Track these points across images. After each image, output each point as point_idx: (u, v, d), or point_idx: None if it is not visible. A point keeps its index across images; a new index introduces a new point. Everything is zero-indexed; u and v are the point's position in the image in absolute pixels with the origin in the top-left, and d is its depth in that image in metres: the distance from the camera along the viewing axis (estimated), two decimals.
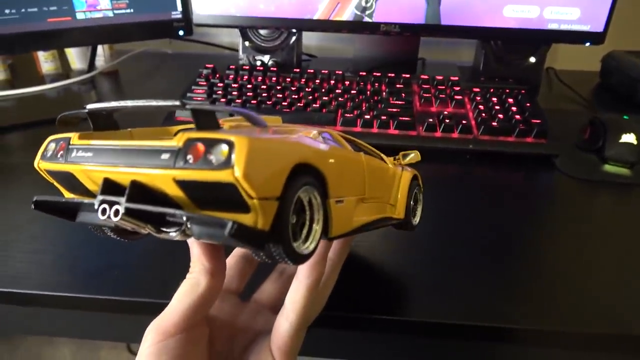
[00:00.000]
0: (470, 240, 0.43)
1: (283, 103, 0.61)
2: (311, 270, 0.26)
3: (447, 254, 0.41)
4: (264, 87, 0.65)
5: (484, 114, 0.59)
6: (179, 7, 0.67)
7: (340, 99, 0.63)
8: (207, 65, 0.69)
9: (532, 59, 0.71)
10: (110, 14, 0.64)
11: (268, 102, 0.62)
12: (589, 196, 0.51)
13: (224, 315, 0.30)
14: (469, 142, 0.56)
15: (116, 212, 0.19)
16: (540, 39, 0.68)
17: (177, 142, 0.18)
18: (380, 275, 0.39)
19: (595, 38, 0.65)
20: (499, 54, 0.72)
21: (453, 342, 0.38)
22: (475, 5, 0.65)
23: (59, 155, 0.21)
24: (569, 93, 0.76)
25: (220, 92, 0.64)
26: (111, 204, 0.19)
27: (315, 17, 0.68)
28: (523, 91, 0.65)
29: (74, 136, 0.22)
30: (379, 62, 0.76)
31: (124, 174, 0.19)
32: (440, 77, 0.67)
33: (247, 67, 0.70)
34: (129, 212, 0.19)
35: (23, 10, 0.59)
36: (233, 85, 0.65)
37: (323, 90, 0.65)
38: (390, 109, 0.60)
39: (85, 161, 0.20)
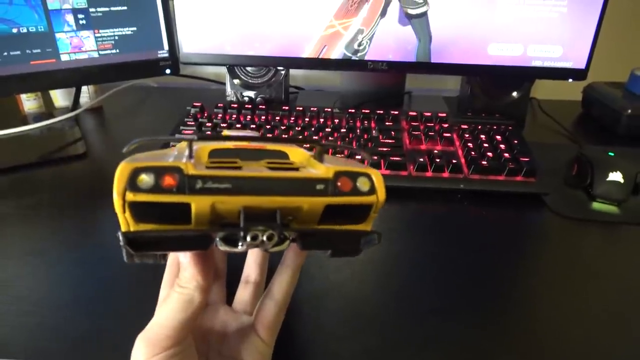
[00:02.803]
0: (459, 284, 0.43)
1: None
2: (296, 256, 0.30)
3: (434, 300, 0.41)
4: (253, 126, 0.65)
5: (473, 152, 0.60)
6: (166, 46, 0.67)
7: (330, 138, 0.63)
8: (194, 104, 0.69)
9: (515, 94, 0.73)
10: (96, 54, 0.63)
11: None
12: (578, 235, 0.52)
13: None
14: (459, 182, 0.57)
15: (270, 237, 0.22)
16: (524, 76, 0.70)
17: (326, 175, 0.23)
18: (358, 325, 0.39)
19: (578, 74, 0.67)
20: (484, 88, 0.73)
21: None
22: (461, 43, 0.66)
23: (173, 188, 0.21)
24: (553, 124, 0.78)
25: (209, 132, 0.63)
26: (263, 230, 0.22)
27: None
28: (510, 127, 0.65)
29: (187, 167, 0.22)
30: (367, 96, 0.77)
31: (271, 202, 0.22)
32: (429, 114, 0.68)
33: (236, 105, 0.69)
34: (284, 236, 0.23)
35: (5, 53, 0.58)
36: (222, 125, 0.65)
37: (312, 128, 0.64)
38: (381, 148, 0.60)
39: (224, 192, 0.22)
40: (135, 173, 0.21)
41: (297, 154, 0.28)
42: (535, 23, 0.64)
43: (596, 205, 0.56)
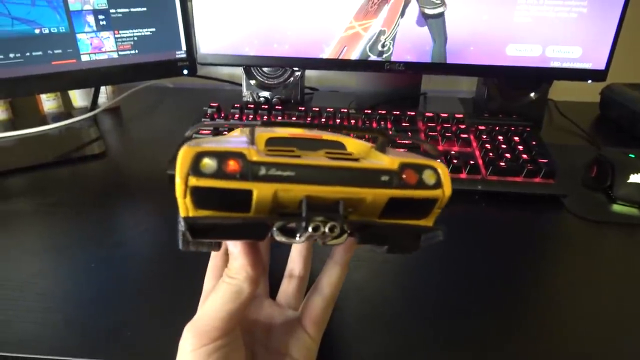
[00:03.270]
0: (478, 286, 0.43)
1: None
2: (345, 252, 0.30)
3: (454, 302, 0.41)
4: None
5: (491, 154, 0.59)
6: (184, 47, 0.67)
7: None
8: (211, 104, 0.69)
9: (533, 95, 0.72)
10: (115, 55, 0.64)
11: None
12: (598, 237, 0.51)
13: None
14: (477, 183, 0.56)
15: (332, 229, 0.21)
16: (542, 77, 0.69)
17: (391, 166, 0.22)
18: (378, 326, 0.39)
19: (597, 76, 0.66)
20: (501, 89, 0.73)
21: None
22: (479, 44, 0.65)
23: (236, 174, 0.21)
24: (570, 126, 0.77)
25: (226, 132, 0.63)
26: (324, 222, 0.21)
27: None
28: (528, 128, 0.65)
29: (250, 153, 0.21)
30: (382, 97, 0.77)
31: (335, 192, 0.21)
32: (445, 115, 0.67)
33: (252, 106, 0.69)
34: (344, 228, 0.21)
35: (28, 53, 0.59)
36: None
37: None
38: (398, 149, 0.60)
39: (288, 180, 0.21)
40: (199, 157, 0.21)
41: (354, 144, 0.27)
42: (554, 23, 0.64)
43: (616, 207, 0.55)
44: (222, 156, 0.21)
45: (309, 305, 0.31)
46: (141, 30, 0.64)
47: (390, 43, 0.66)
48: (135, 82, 0.73)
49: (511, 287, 0.43)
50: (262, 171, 0.21)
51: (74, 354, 0.36)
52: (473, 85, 0.80)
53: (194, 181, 0.21)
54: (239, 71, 0.76)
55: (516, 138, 0.63)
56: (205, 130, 0.64)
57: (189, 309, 0.29)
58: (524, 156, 0.59)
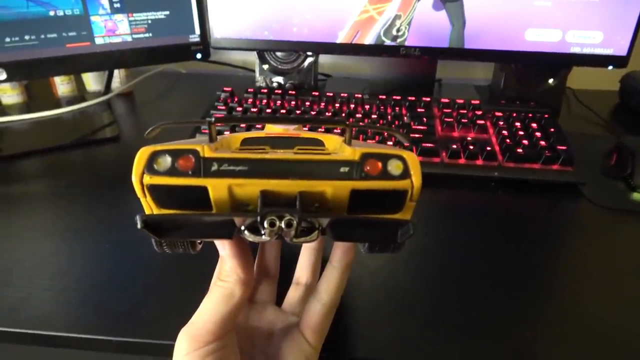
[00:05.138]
0: (494, 273, 0.42)
1: (303, 128, 0.60)
2: (344, 254, 0.29)
3: (469, 288, 0.41)
4: (284, 111, 0.65)
5: (508, 140, 0.58)
6: (197, 31, 0.67)
7: (361, 123, 0.62)
8: (225, 89, 0.69)
9: (552, 81, 0.70)
10: (129, 38, 0.63)
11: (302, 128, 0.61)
12: (617, 226, 0.50)
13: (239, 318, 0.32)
14: (494, 170, 0.56)
15: (289, 224, 0.20)
16: (562, 63, 0.68)
17: (351, 157, 0.21)
18: (393, 311, 0.38)
19: (618, 62, 0.64)
20: (519, 76, 0.71)
21: None
22: (497, 28, 0.64)
23: (188, 170, 0.21)
24: (589, 114, 0.75)
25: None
26: (280, 216, 0.20)
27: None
28: (546, 115, 0.64)
29: (203, 149, 0.21)
30: (396, 83, 0.76)
31: (291, 185, 0.21)
32: (461, 101, 0.66)
33: (265, 90, 0.69)
34: (309, 224, 0.21)
35: (42, 36, 0.59)
36: (252, 109, 0.65)
37: (343, 114, 0.64)
38: (413, 135, 0.59)
39: (241, 175, 0.21)
40: (154, 156, 0.21)
41: (333, 141, 0.26)
42: (575, 7, 0.62)
43: (637, 195, 0.54)
44: (175, 154, 0.21)
45: (307, 312, 0.30)
46: (155, 13, 0.64)
47: (405, 28, 0.64)
48: (148, 65, 0.72)
49: (528, 274, 0.43)
50: (214, 167, 0.21)
51: (89, 332, 0.36)
52: (489, 73, 0.79)
53: (148, 179, 0.21)
54: (252, 57, 0.75)
55: (534, 125, 0.61)
56: (218, 114, 0.64)
57: (204, 290, 0.29)
58: (542, 143, 0.58)
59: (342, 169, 0.21)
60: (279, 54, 0.74)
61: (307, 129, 0.56)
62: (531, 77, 0.71)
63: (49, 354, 0.41)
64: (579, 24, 0.63)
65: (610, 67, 0.65)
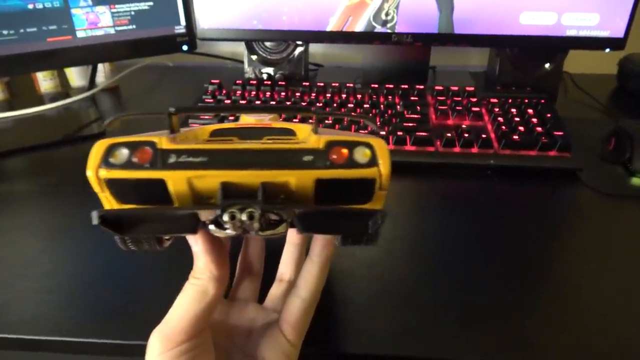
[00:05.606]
0: (492, 262, 0.41)
1: (294, 120, 0.59)
2: (323, 248, 0.28)
3: (467, 278, 0.40)
4: (273, 102, 0.63)
5: (503, 127, 0.57)
6: (183, 22, 0.65)
7: (353, 113, 0.60)
8: (212, 81, 0.67)
9: (548, 66, 0.69)
10: (112, 31, 0.61)
11: (279, 118, 0.59)
12: (616, 211, 0.49)
13: (217, 315, 0.31)
14: (489, 157, 0.54)
15: (251, 216, 0.19)
16: (558, 46, 0.66)
17: (315, 145, 0.20)
18: (390, 303, 0.37)
19: (616, 44, 0.63)
20: (515, 61, 0.70)
21: None
22: (490, 12, 0.62)
23: (145, 163, 0.20)
24: (587, 99, 0.74)
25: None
26: (241, 208, 0.19)
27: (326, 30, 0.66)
28: (542, 101, 0.62)
29: (161, 141, 0.20)
30: (389, 71, 0.74)
31: (252, 176, 0.20)
32: (456, 88, 0.65)
33: (255, 82, 0.67)
34: (278, 217, 0.20)
35: (22, 30, 0.56)
36: (241, 101, 0.63)
37: (335, 104, 0.62)
38: (406, 124, 0.58)
39: (199, 167, 0.20)
40: (110, 149, 0.20)
41: (304, 131, 0.25)
42: None
43: (635, 180, 0.53)
44: (132, 146, 0.20)
45: (286, 308, 0.29)
46: (138, 4, 0.62)
47: (394, 12, 0.63)
48: (133, 59, 0.71)
49: (527, 263, 0.42)
50: (172, 159, 0.20)
51: (78, 334, 0.35)
52: (484, 59, 0.77)
53: (104, 173, 0.20)
54: (241, 49, 0.73)
55: (530, 111, 0.60)
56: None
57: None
58: (538, 129, 0.56)
59: (305, 158, 0.20)
60: (268, 44, 0.72)
61: (282, 119, 0.54)
62: (527, 62, 0.70)
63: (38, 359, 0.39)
64: (575, 5, 0.61)
65: (608, 50, 0.64)
